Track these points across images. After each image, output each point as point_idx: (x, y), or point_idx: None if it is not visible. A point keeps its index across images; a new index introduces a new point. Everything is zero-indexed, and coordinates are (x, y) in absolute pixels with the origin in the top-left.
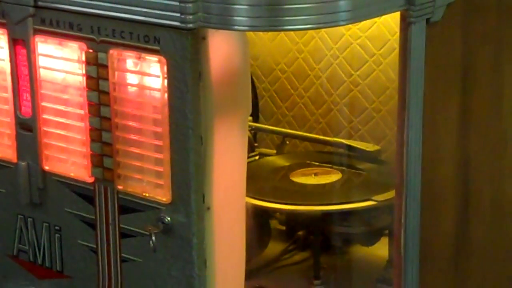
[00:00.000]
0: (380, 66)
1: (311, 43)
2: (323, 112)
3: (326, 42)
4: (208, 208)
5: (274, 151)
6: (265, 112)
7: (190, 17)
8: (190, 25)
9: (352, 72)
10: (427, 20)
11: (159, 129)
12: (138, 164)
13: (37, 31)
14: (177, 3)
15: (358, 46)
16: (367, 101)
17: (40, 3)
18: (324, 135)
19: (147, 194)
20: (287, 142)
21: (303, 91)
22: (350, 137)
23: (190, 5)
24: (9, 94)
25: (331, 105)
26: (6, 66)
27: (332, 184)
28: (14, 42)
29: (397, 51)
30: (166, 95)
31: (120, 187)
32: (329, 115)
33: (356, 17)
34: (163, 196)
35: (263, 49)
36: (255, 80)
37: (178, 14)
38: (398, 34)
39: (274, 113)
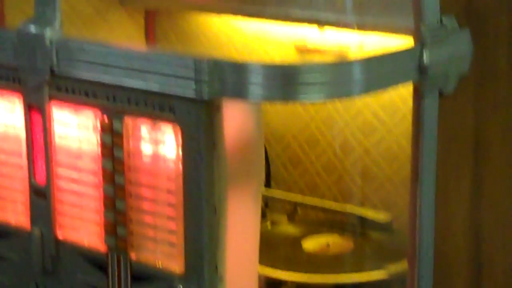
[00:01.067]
0: (391, 134)
1: (323, 110)
2: (335, 179)
3: (338, 110)
4: (221, 278)
5: (286, 218)
6: (277, 178)
7: (205, 87)
8: (205, 96)
9: (364, 140)
10: (440, 91)
11: (172, 199)
12: (151, 233)
13: (52, 98)
14: (193, 74)
15: (369, 114)
16: (379, 169)
17: (56, 71)
18: (335, 202)
19: (160, 264)
20: (299, 210)
21: (314, 158)
22: (362, 205)
23: (205, 76)
24: (23, 161)
25: (343, 172)
26: (21, 133)
27: (343, 254)
28: (29, 108)
29: (408, 119)
30: (180, 164)
31: (133, 257)
32: (341, 182)
33: (369, 88)
34: (176, 266)
35: (275, 116)
36: (267, 146)
37: (193, 85)
38: (409, 102)
39: (286, 180)
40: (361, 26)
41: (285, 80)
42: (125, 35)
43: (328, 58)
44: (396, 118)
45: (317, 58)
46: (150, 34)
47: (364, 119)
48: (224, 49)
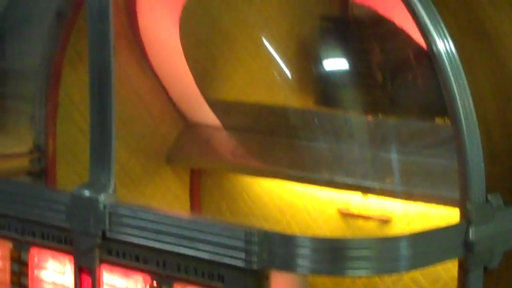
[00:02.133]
0: None
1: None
2: None
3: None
4: None
5: None
6: None
7: (255, 258)
8: (255, 266)
9: None
10: (485, 267)
11: None
12: None
13: (103, 261)
14: (243, 244)
15: (410, 280)
16: None
17: (108, 235)
18: None
19: None
20: None
21: None
22: None
23: (255, 247)
24: None
25: None
26: None
27: None
28: (80, 270)
29: (450, 285)
30: None
31: None
32: None
33: (416, 265)
34: None
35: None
36: None
37: (243, 255)
38: (452, 270)
39: None
40: (406, 196)
41: (333, 254)
42: (171, 193)
43: (371, 224)
44: (437, 285)
45: (360, 224)
46: (195, 192)
47: (404, 285)
48: (268, 210)
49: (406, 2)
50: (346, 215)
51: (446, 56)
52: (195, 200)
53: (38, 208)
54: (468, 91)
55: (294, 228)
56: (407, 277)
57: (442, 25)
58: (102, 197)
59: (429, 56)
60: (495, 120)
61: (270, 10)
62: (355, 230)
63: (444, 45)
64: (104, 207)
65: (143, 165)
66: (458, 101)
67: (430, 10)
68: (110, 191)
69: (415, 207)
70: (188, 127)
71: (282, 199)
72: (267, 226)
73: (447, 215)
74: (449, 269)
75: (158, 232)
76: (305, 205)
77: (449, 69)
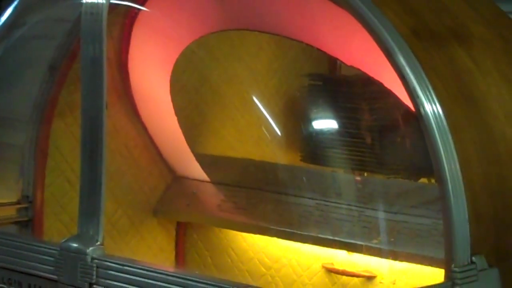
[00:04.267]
0: None
1: None
2: None
3: None
4: None
5: None
6: None
7: None
8: None
9: None
10: None
11: None
12: None
13: None
14: None
15: None
16: None
17: None
18: None
19: None
20: None
21: None
22: None
23: None
24: None
25: None
26: None
27: None
28: None
29: None
30: None
31: None
32: None
33: None
34: None
35: None
36: None
37: None
38: None
39: None
40: (391, 255)
41: None
42: (157, 245)
43: (356, 281)
44: None
45: (344, 280)
46: (180, 244)
47: None
48: (253, 264)
49: (396, 67)
50: (331, 271)
51: (433, 119)
52: (180, 252)
53: (25, 259)
54: (454, 154)
55: (279, 282)
56: None
57: (431, 89)
58: (90, 250)
59: (417, 118)
60: (480, 184)
61: (259, 67)
62: (339, 286)
63: (432, 108)
64: (92, 259)
65: (129, 217)
66: (445, 164)
67: (419, 74)
68: (99, 243)
69: (400, 264)
70: (176, 180)
71: (267, 254)
72: (252, 280)
73: (431, 273)
74: None
75: (145, 286)
76: (289, 260)
77: (436, 132)
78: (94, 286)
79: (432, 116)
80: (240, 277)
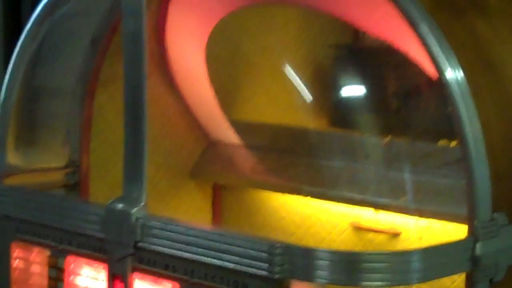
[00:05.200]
0: None
1: None
2: None
3: None
4: None
5: None
6: None
7: (277, 268)
8: (277, 276)
9: None
10: (490, 279)
11: None
12: None
13: (135, 269)
14: (266, 255)
15: None
16: None
17: (140, 245)
18: None
19: None
20: None
21: None
22: None
23: (278, 257)
24: None
25: None
26: None
27: None
28: (113, 277)
29: None
30: None
31: None
32: None
33: (426, 277)
34: None
35: None
36: None
37: (266, 265)
38: (457, 280)
39: None
40: (415, 212)
41: (350, 267)
42: (194, 205)
43: (381, 238)
44: None
45: (371, 237)
46: (216, 205)
47: None
48: (284, 223)
49: (420, 36)
50: (358, 229)
51: (456, 85)
52: (217, 212)
53: (74, 219)
54: (476, 118)
55: (309, 240)
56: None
57: (453, 56)
58: (134, 210)
59: (439, 84)
60: (500, 145)
61: (288, 38)
62: (366, 243)
63: (454, 75)
64: (136, 219)
65: (169, 180)
66: (467, 127)
67: (442, 43)
68: (142, 204)
69: (423, 222)
70: (211, 145)
71: (297, 213)
72: (284, 238)
73: (453, 230)
74: (454, 279)
75: (186, 243)
76: (319, 219)
77: (459, 97)
78: (139, 243)
79: (455, 82)
80: (273, 235)
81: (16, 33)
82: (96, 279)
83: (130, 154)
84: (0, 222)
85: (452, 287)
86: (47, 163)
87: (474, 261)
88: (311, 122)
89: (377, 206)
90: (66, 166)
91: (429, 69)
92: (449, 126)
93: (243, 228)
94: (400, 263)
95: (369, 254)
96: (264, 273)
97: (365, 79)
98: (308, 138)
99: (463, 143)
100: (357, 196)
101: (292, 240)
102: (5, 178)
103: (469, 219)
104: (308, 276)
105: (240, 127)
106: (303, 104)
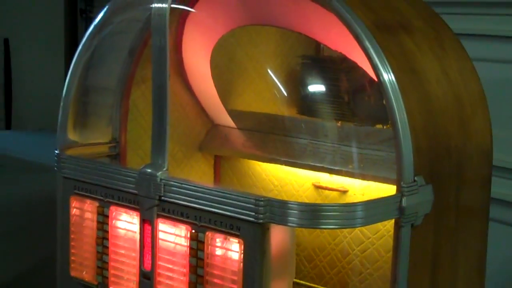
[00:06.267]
0: (373, 245)
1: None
2: (335, 273)
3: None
4: None
5: None
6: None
7: (261, 215)
8: (261, 220)
9: (355, 249)
10: (412, 224)
11: (235, 287)
12: None
13: (159, 216)
14: (253, 206)
15: (358, 231)
16: (364, 268)
17: (162, 198)
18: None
19: None
20: None
21: (323, 258)
22: None
23: (261, 208)
24: (137, 255)
25: (341, 269)
26: (137, 237)
27: None
28: (143, 221)
29: (385, 236)
30: (241, 264)
31: None
32: (339, 275)
33: (366, 222)
34: None
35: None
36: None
37: (253, 213)
38: (387, 225)
39: (303, 272)
40: (359, 176)
41: (312, 214)
42: (201, 171)
43: (334, 194)
44: (378, 235)
45: (327, 193)
46: (217, 170)
47: (355, 234)
48: (265, 183)
49: (363, 49)
50: (318, 188)
51: (389, 84)
52: (217, 176)
53: (116, 180)
54: (403, 108)
55: (283, 195)
56: (357, 230)
57: (387, 64)
58: (159, 173)
59: (377, 83)
60: (420, 128)
61: (269, 50)
62: (323, 198)
63: (388, 77)
64: (160, 180)
65: (183, 152)
66: (396, 114)
67: (379, 54)
68: (164, 169)
69: (365, 183)
70: (214, 127)
71: (275, 176)
72: (265, 194)
73: (386, 189)
74: (385, 224)
75: (196, 197)
76: (290, 180)
77: (391, 93)
78: (162, 197)
79: (388, 82)
80: (257, 192)
81: (74, 46)
82: (132, 223)
83: (156, 134)
84: (63, 182)
85: (384, 229)
86: (96, 139)
87: (401, 211)
88: (286, 111)
89: (331, 171)
90: (109, 142)
91: (371, 73)
92: (384, 114)
93: (236, 187)
94: (348, 212)
95: (326, 205)
96: (251, 218)
97: (324, 80)
98: (283, 123)
99: (393, 126)
100: (317, 164)
101: (271, 195)
102: (66, 150)
103: (397, 181)
104: (283, 221)
105: (234, 114)
106: (280, 98)
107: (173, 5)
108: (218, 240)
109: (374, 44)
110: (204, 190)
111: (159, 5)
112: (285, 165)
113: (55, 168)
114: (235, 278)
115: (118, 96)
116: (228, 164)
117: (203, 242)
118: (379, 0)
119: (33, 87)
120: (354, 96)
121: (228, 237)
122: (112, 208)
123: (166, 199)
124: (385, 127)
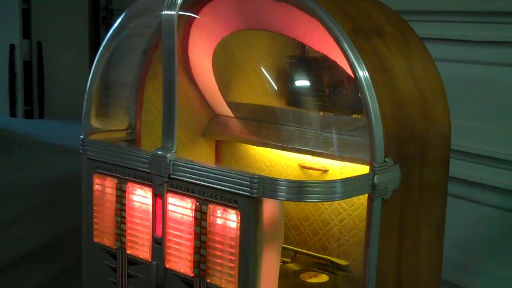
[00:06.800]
0: (350, 216)
1: (317, 205)
2: (317, 239)
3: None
4: None
5: (290, 260)
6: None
7: (255, 190)
8: (255, 195)
9: (335, 219)
10: (382, 198)
11: (233, 251)
12: (220, 268)
13: (168, 191)
14: (248, 182)
15: (337, 204)
16: (342, 235)
17: (172, 176)
18: (318, 252)
19: (224, 286)
20: (297, 255)
21: (307, 226)
22: (332, 255)
23: (255, 184)
24: (150, 224)
25: (322, 236)
26: (150, 209)
27: (323, 283)
28: (155, 196)
29: (359, 207)
30: (238, 231)
31: (208, 280)
32: (321, 241)
33: (344, 196)
34: (233, 287)
35: (290, 210)
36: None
37: (248, 188)
38: (362, 199)
39: (290, 238)
40: (339, 158)
41: (298, 189)
42: (204, 153)
43: (317, 173)
44: (354, 207)
45: (310, 172)
46: (218, 153)
47: (334, 206)
48: (258, 164)
49: (342, 51)
50: (303, 168)
51: (364, 80)
52: (218, 158)
53: (132, 160)
54: (375, 101)
55: (274, 174)
56: (336, 203)
57: (362, 63)
58: (169, 155)
59: (354, 79)
60: (390, 117)
61: (262, 51)
62: (307, 176)
63: (363, 74)
64: (170, 160)
65: (189, 137)
66: (370, 106)
67: (356, 55)
68: (173, 152)
69: (343, 164)
70: (215, 116)
71: (267, 158)
72: (258, 173)
73: (361, 169)
74: (360, 198)
75: (200, 175)
76: (280, 161)
77: (365, 87)
78: (171, 175)
79: (363, 78)
80: (252, 171)
81: (96, 48)
82: (145, 197)
83: (166, 122)
84: (87, 162)
85: (358, 202)
86: (115, 126)
87: (373, 187)
88: (276, 103)
89: (315, 154)
90: (127, 129)
91: (348, 71)
92: (359, 105)
93: (234, 167)
94: (328, 188)
95: (310, 182)
96: (247, 193)
97: (309, 76)
98: (274, 113)
99: (367, 115)
100: (303, 147)
101: (263, 174)
102: (90, 135)
103: (370, 162)
104: (273, 195)
105: (232, 106)
106: (271, 91)
107: (180, 12)
108: (219, 211)
109: (351, 46)
110: (207, 169)
111: (168, 12)
112: (275, 148)
113: (80, 151)
114: (233, 243)
115: (134, 90)
116: (227, 147)
117: (205, 213)
118: (356, 9)
119: (62, 82)
120: (334, 90)
121: (227, 209)
122: (129, 184)
123: (174, 177)
124: (360, 116)
